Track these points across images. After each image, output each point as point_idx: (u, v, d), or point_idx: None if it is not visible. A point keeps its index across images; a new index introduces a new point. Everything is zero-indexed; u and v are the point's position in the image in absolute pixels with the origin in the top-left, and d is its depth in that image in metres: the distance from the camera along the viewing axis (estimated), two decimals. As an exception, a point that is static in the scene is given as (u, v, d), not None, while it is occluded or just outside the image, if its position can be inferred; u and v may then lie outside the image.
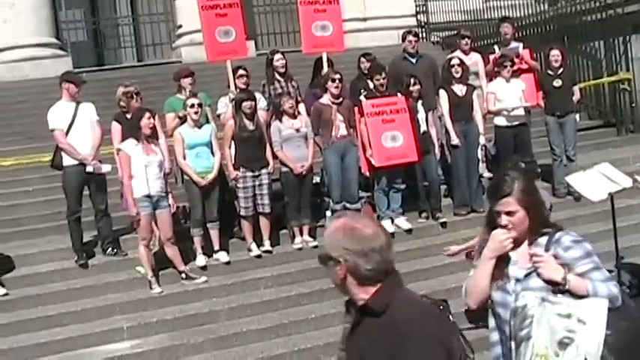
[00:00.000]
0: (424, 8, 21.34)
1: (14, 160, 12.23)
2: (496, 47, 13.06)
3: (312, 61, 12.11)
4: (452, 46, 15.10)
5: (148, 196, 9.40)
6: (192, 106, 10.01)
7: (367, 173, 11.01)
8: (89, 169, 10.09)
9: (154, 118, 9.63)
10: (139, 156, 9.43)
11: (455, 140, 11.24)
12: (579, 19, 15.68)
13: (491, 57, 12.56)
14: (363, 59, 12.11)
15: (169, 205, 9.71)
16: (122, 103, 10.45)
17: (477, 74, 12.55)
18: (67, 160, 10.16)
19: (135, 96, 10.35)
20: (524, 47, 13.04)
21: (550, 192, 11.83)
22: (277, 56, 11.51)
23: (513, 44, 12.97)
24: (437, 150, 11.32)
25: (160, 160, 9.60)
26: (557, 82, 11.93)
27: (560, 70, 12.04)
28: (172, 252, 9.69)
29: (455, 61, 11.51)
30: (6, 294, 9.52)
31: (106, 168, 10.29)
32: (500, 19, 13.81)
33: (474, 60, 12.63)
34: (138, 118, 9.59)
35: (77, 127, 10.17)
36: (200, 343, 8.71)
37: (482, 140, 11.68)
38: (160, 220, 9.56)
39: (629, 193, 9.57)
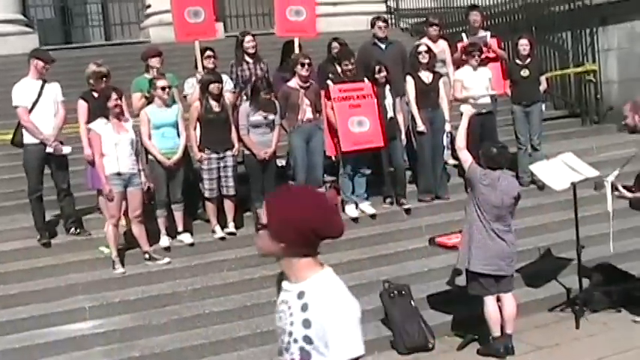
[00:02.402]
0: (394, -6, 21.35)
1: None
2: (464, 35, 13.09)
3: (281, 44, 12.09)
4: (420, 32, 15.13)
5: (119, 174, 9.38)
6: (163, 88, 9.97)
7: (333, 157, 11.05)
8: (49, 149, 10.01)
9: (120, 98, 9.58)
10: (109, 134, 9.39)
11: (421, 127, 11.28)
12: (547, 10, 15.78)
13: (459, 45, 12.61)
14: (334, 43, 12.09)
15: (141, 182, 9.67)
16: (91, 81, 10.36)
17: (444, 62, 12.60)
18: (28, 139, 10.07)
19: (105, 78, 10.26)
20: (491, 36, 13.09)
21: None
22: (248, 38, 11.52)
23: (481, 33, 13.01)
24: (403, 136, 11.36)
25: (131, 138, 9.55)
26: (525, 72, 12.00)
27: (528, 59, 12.11)
28: (139, 231, 9.66)
29: (422, 48, 11.53)
30: (-32, 271, 9.47)
31: (66, 150, 10.20)
32: (469, 7, 13.83)
33: (442, 47, 12.67)
34: (105, 97, 9.53)
35: (41, 106, 10.07)
36: (163, 324, 8.70)
37: (447, 127, 11.75)
38: (131, 196, 9.52)
39: (592, 183, 9.66)
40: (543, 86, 12.35)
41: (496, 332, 8.10)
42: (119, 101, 9.51)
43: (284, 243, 3.09)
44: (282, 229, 3.08)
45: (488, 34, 13.08)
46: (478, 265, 7.92)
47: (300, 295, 3.13)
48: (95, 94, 10.11)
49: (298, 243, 3.10)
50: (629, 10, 14.43)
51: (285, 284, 3.23)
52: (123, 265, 9.54)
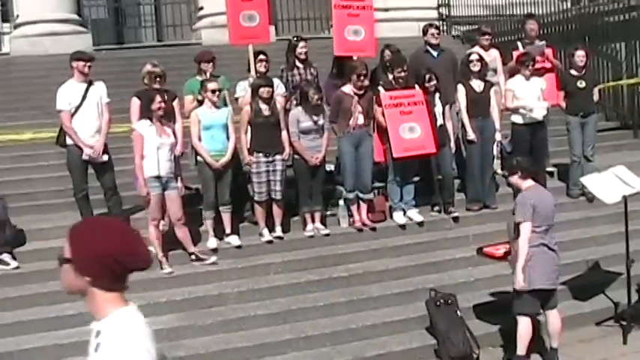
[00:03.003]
0: (446, 1, 21.26)
1: (32, 134, 12.28)
2: (519, 44, 12.96)
3: (331, 47, 12.07)
4: (472, 40, 15.07)
5: (158, 177, 9.45)
6: (213, 91, 10.04)
7: (382, 163, 11.04)
8: (84, 157, 10.10)
9: (173, 100, 9.65)
10: (151, 137, 9.46)
11: (471, 135, 11.23)
12: (601, 20, 15.66)
13: (515, 53, 12.50)
14: (386, 51, 12.03)
15: (178, 186, 9.73)
16: (145, 81, 10.46)
17: (495, 70, 12.53)
18: (70, 140, 10.19)
19: (159, 78, 10.34)
20: (547, 46, 12.99)
21: (565, 192, 11.88)
22: (301, 43, 11.57)
23: (537, 42, 12.90)
24: (452, 144, 11.33)
25: (172, 142, 9.62)
26: (582, 83, 11.88)
27: (584, 70, 12.01)
28: (182, 233, 9.72)
29: (474, 57, 11.48)
30: (17, 267, 9.58)
31: (104, 158, 10.25)
32: (526, 16, 13.73)
33: (493, 56, 12.61)
34: (149, 99, 9.61)
35: (85, 109, 10.15)
36: (208, 325, 8.76)
37: (498, 137, 11.68)
38: (169, 200, 9.59)
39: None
40: (596, 97, 12.22)
41: (522, 351, 8.01)
42: (162, 104, 9.55)
43: (89, 277, 2.90)
44: (86, 262, 2.88)
45: (544, 43, 12.96)
46: (538, 281, 7.82)
47: (97, 333, 2.93)
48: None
49: (104, 276, 2.90)
50: (684, 22, 14.27)
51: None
52: (170, 265, 9.60)
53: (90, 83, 10.27)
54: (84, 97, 10.17)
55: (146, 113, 9.63)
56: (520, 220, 7.80)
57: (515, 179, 8.16)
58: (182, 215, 9.67)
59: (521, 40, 13.16)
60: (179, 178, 9.79)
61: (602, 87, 14.78)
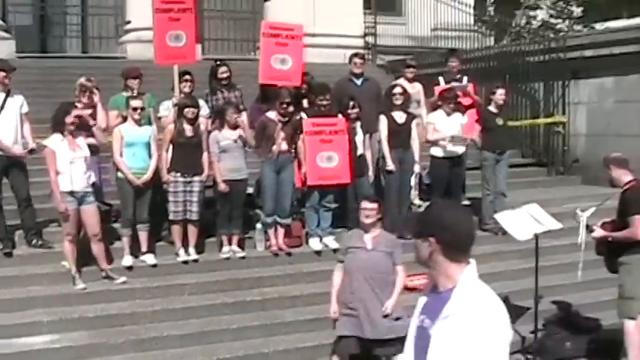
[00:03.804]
0: (373, 30, 21.54)
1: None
2: (441, 79, 13.25)
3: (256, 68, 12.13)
4: (396, 70, 15.30)
5: (72, 192, 9.36)
6: (135, 109, 10.04)
7: (301, 189, 11.12)
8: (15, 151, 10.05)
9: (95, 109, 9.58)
10: (64, 152, 9.37)
11: (390, 166, 11.39)
12: (522, 59, 16.06)
13: (436, 88, 12.76)
14: (306, 77, 12.04)
15: (94, 200, 9.66)
16: (76, 93, 10.40)
17: (419, 102, 12.76)
18: None
19: (89, 93, 10.29)
20: (467, 81, 13.29)
21: (477, 226, 12.12)
22: (222, 69, 11.67)
23: (463, 81, 13.19)
24: (371, 173, 11.46)
25: (85, 155, 9.53)
26: (500, 121, 12.19)
27: (503, 108, 12.32)
28: (98, 249, 9.63)
29: (397, 90, 11.66)
30: None
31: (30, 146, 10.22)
32: (448, 52, 14.02)
33: (417, 89, 12.86)
34: (63, 112, 9.50)
35: (4, 118, 10.07)
36: (120, 343, 8.67)
37: (417, 169, 11.89)
38: (86, 216, 9.50)
39: (555, 234, 9.82)
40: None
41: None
42: (77, 119, 9.48)
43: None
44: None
45: (466, 78, 13.26)
46: None
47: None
48: (79, 106, 10.14)
49: None
50: (600, 66, 14.73)
51: None
52: (83, 281, 9.51)
53: (8, 93, 10.17)
54: (2, 107, 10.08)
55: (59, 126, 9.51)
56: None
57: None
58: (99, 231, 9.60)
59: (443, 75, 13.43)
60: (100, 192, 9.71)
61: (520, 124, 15.20)
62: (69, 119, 9.39)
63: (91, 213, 9.53)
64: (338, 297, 7.90)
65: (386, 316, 7.74)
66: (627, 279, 8.30)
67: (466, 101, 12.70)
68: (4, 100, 10.10)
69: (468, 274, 3.41)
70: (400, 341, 7.53)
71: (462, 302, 3.33)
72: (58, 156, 9.34)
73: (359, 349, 7.78)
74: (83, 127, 9.82)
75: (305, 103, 11.57)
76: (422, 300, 3.62)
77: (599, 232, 8.48)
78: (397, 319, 7.71)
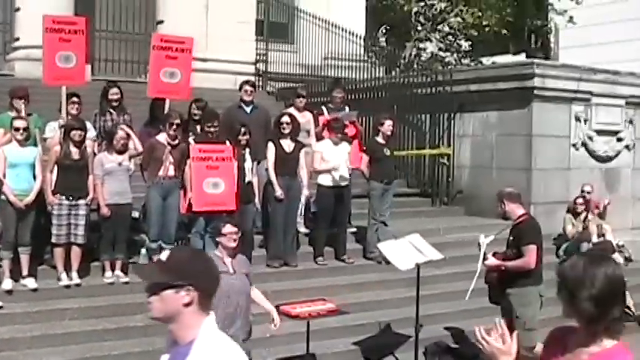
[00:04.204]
0: (264, 57, 21.68)
1: None
2: (324, 108, 13.39)
3: (146, 92, 12.08)
4: (286, 98, 15.44)
5: None
6: (18, 129, 9.89)
7: (186, 214, 11.09)
8: None
9: None
10: None
11: (278, 192, 11.47)
12: (410, 91, 16.43)
13: (321, 118, 12.92)
14: (194, 105, 12.04)
15: None
16: None
17: (308, 132, 12.88)
18: None
19: None
20: (350, 110, 13.54)
21: (362, 254, 12.33)
22: (113, 90, 11.59)
23: (346, 109, 13.40)
24: (257, 200, 11.50)
25: None
26: (387, 151, 12.42)
27: (390, 138, 12.56)
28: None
29: (284, 119, 11.76)
30: None
31: None
32: (333, 83, 14.20)
33: (307, 118, 12.97)
34: None
35: None
36: (-4, 369, 8.53)
37: (305, 193, 12.03)
38: None
39: (437, 264, 10.08)
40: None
41: None
42: None
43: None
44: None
45: (347, 108, 13.47)
46: None
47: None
48: None
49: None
50: (484, 100, 15.20)
51: None
52: (-40, 305, 9.30)
53: None
54: None
55: None
56: None
57: None
58: None
59: (326, 105, 13.59)
60: None
61: (405, 154, 15.51)
62: None
63: None
64: None
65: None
66: (525, 311, 8.59)
67: (350, 131, 12.86)
68: None
69: (208, 325, 3.25)
70: None
71: (202, 356, 3.18)
72: None
73: None
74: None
75: (198, 129, 11.53)
76: (163, 357, 3.37)
77: (492, 261, 8.79)
78: (245, 340, 7.83)
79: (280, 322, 8.23)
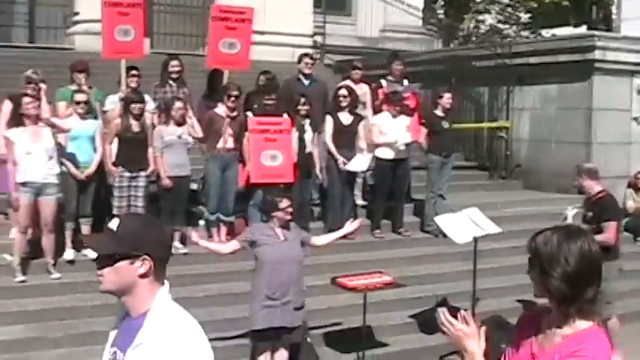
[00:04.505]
0: (322, 30, 21.63)
1: None
2: (383, 82, 13.31)
3: (205, 65, 12.14)
4: (344, 70, 15.40)
5: (27, 183, 9.34)
6: (79, 102, 10.05)
7: (244, 187, 11.15)
8: None
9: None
10: (22, 143, 9.36)
11: (340, 160, 11.46)
12: (469, 64, 16.24)
13: (380, 91, 12.86)
14: (262, 76, 12.20)
15: (56, 192, 9.59)
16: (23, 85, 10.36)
17: (364, 104, 12.84)
18: None
19: (34, 85, 10.20)
20: (409, 82, 13.45)
21: (419, 227, 12.29)
22: (173, 62, 11.68)
23: (405, 82, 13.32)
24: (318, 172, 11.54)
25: (45, 147, 9.48)
26: (446, 124, 12.34)
27: (449, 112, 12.49)
28: (46, 241, 9.57)
29: (342, 92, 11.77)
30: None
31: None
32: (391, 56, 14.08)
33: (364, 91, 12.93)
34: (18, 103, 9.53)
35: None
36: (58, 338, 8.66)
37: (365, 161, 11.98)
38: (41, 207, 9.48)
39: (494, 237, 10.01)
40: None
41: None
42: (31, 105, 9.45)
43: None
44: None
45: (406, 81, 13.37)
46: None
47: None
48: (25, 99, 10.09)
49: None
50: (544, 73, 14.98)
51: None
52: (24, 274, 9.46)
53: None
54: None
55: (18, 119, 9.52)
56: None
57: None
58: (50, 223, 9.54)
59: (386, 78, 13.51)
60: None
61: (464, 127, 15.40)
62: (23, 110, 9.40)
63: (46, 205, 9.48)
64: (255, 292, 7.89)
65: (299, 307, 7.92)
66: (606, 285, 8.51)
67: (411, 103, 12.80)
68: None
69: (162, 296, 3.09)
70: (298, 329, 7.77)
71: (156, 327, 3.00)
72: (16, 147, 9.34)
73: (274, 338, 7.89)
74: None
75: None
76: (112, 333, 3.23)
77: None
78: (299, 308, 7.93)
79: (336, 294, 8.27)
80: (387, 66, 13.74)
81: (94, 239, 3.38)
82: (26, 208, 9.36)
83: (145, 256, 3.03)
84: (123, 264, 3.03)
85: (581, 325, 3.17)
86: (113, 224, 3.08)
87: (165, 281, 3.14)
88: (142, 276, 3.04)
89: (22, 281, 9.39)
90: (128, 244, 3.03)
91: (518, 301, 10.52)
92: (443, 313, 3.36)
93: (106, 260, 3.05)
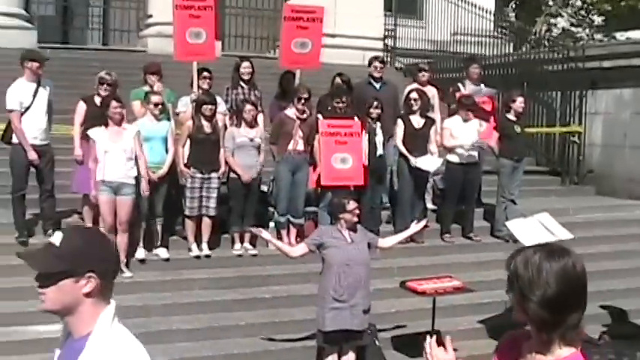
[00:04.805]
0: (393, 33, 21.59)
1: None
2: (460, 85, 13.11)
3: (277, 69, 12.22)
4: (414, 74, 15.36)
5: (105, 182, 9.49)
6: (156, 104, 10.16)
7: (315, 189, 11.18)
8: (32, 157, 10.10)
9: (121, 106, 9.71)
10: (102, 142, 9.51)
11: (412, 160, 11.37)
12: (541, 67, 16.07)
13: (457, 94, 12.72)
14: (337, 79, 12.24)
15: (133, 192, 9.69)
16: (95, 86, 10.51)
17: (432, 107, 12.75)
18: (17, 139, 10.15)
19: (107, 86, 10.34)
20: (486, 86, 13.31)
21: (489, 232, 12.18)
22: (245, 64, 11.73)
23: (484, 87, 13.14)
24: (388, 175, 11.51)
25: (124, 147, 9.61)
26: (518, 128, 12.22)
27: (521, 116, 12.35)
28: (121, 241, 9.65)
29: (413, 95, 11.69)
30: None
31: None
32: (469, 59, 13.97)
33: (432, 93, 12.82)
34: (107, 105, 9.67)
35: (35, 109, 10.15)
36: (129, 336, 8.75)
37: (433, 166, 11.90)
38: (118, 206, 9.61)
39: (566, 243, 9.81)
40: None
41: None
42: (119, 109, 9.60)
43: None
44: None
45: (483, 85, 13.20)
46: None
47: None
48: (97, 100, 10.25)
49: None
50: (619, 77, 14.73)
51: None
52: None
53: (39, 83, 10.25)
54: (34, 97, 10.17)
55: (99, 118, 9.69)
56: None
57: None
58: (125, 222, 9.65)
59: (462, 82, 13.39)
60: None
61: (536, 132, 15.22)
62: (110, 111, 9.55)
63: (122, 204, 9.61)
64: (323, 294, 7.89)
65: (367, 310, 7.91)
66: None
67: (488, 107, 12.66)
68: (36, 90, 10.19)
69: (106, 317, 2.92)
70: (366, 332, 7.85)
71: (97, 352, 2.84)
72: (97, 145, 9.51)
73: (342, 341, 7.88)
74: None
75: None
76: (56, 353, 3.04)
77: None
78: (367, 311, 7.92)
79: (405, 298, 8.21)
80: (464, 69, 13.63)
81: (32, 255, 2.92)
82: (106, 205, 9.51)
83: (91, 274, 2.85)
84: (66, 282, 2.84)
85: (563, 352, 2.92)
86: (55, 239, 2.88)
87: (112, 300, 2.97)
88: (87, 295, 2.86)
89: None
90: (72, 261, 2.83)
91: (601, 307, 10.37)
92: (428, 343, 3.31)
93: (48, 278, 2.85)
